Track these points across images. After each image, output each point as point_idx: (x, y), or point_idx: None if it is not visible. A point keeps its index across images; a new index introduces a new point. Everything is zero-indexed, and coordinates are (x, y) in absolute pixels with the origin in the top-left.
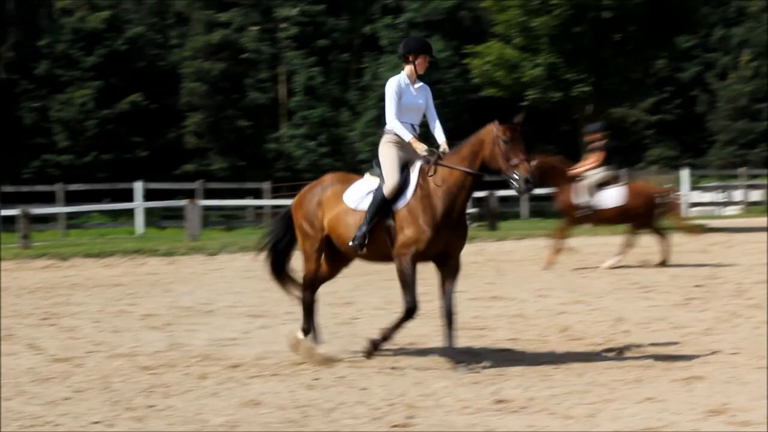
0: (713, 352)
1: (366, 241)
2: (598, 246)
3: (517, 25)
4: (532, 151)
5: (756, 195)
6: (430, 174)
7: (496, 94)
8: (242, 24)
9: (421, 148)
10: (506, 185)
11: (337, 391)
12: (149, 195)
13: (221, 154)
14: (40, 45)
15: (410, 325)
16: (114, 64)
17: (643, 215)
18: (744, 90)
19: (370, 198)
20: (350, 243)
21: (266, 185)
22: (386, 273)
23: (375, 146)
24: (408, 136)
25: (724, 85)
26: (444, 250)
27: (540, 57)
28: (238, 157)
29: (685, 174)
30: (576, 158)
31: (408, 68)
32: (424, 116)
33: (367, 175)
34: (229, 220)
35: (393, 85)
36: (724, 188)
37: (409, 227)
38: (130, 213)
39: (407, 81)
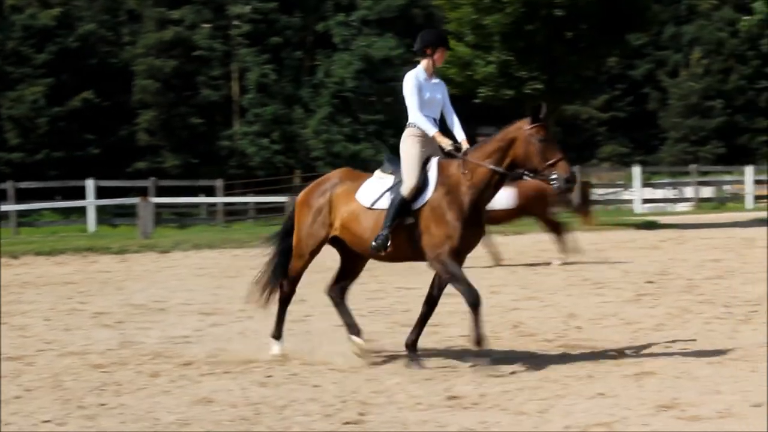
0: (664, 348)
1: (389, 243)
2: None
3: (469, 22)
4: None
5: (707, 191)
6: (454, 170)
7: (450, 92)
8: (194, 21)
9: (446, 142)
10: None
11: (290, 388)
12: (101, 193)
13: (174, 152)
14: None
15: (361, 322)
16: (65, 61)
17: (536, 215)
18: (695, 87)
19: (387, 197)
20: (372, 244)
21: (219, 183)
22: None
23: (328, 143)
24: (432, 131)
25: (675, 83)
26: (462, 249)
27: (492, 55)
28: (190, 155)
29: (636, 171)
30: None
31: (426, 62)
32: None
33: (377, 172)
34: (182, 217)
35: (412, 79)
36: (675, 185)
37: (437, 226)
38: (81, 211)
39: (425, 75)
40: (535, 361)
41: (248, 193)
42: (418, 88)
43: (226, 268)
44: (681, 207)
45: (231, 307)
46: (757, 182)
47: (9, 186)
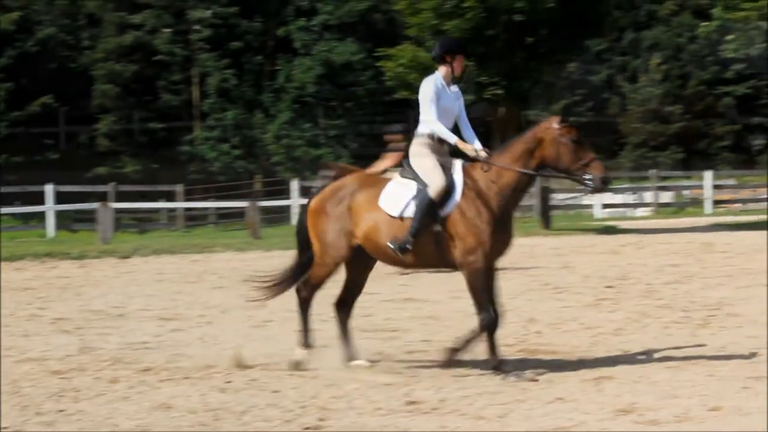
0: (623, 352)
1: (410, 247)
2: None
3: (429, 27)
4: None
5: (666, 197)
6: (480, 174)
7: (409, 97)
8: (155, 26)
9: (469, 149)
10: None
11: (249, 394)
12: (61, 198)
13: (134, 157)
14: None
15: (323, 328)
16: (24, 65)
17: None
18: (654, 93)
19: (413, 205)
20: (390, 245)
21: (179, 188)
22: None
23: (289, 148)
24: (453, 138)
25: (634, 88)
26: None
27: None
28: (150, 160)
29: None
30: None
31: (444, 69)
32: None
33: (396, 177)
34: (142, 222)
35: (431, 86)
36: (635, 190)
37: (468, 232)
38: (41, 216)
39: (443, 82)
40: (494, 366)
41: (209, 198)
42: (437, 95)
43: (186, 274)
44: (641, 212)
45: (190, 313)
46: (716, 187)
47: None
